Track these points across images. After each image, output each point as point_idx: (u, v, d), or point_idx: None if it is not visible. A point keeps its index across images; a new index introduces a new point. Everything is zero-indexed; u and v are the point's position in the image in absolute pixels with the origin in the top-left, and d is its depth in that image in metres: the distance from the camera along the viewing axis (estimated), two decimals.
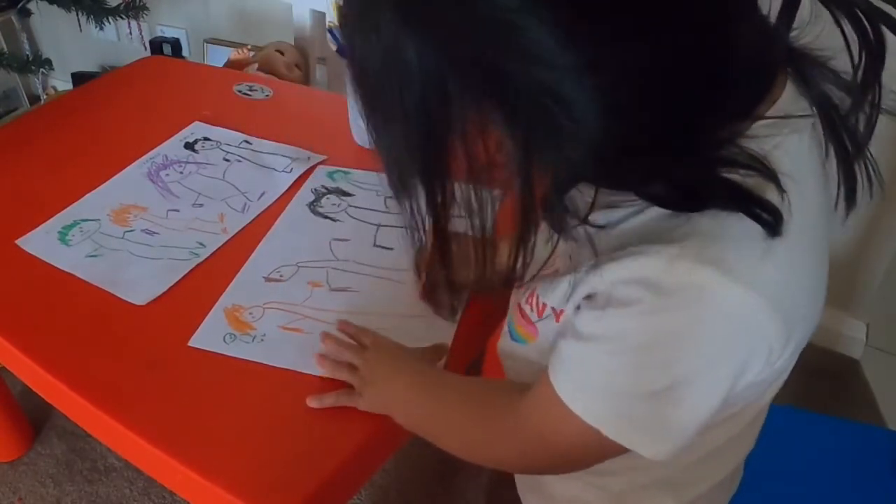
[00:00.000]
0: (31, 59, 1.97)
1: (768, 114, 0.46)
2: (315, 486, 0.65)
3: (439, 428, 0.66)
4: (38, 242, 0.92)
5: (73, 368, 0.77)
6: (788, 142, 0.46)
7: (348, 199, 1.00)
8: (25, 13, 2.16)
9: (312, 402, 0.71)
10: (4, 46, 2.11)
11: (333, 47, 1.04)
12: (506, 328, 0.63)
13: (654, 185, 0.43)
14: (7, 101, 2.35)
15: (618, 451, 0.49)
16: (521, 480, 0.72)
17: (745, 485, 0.96)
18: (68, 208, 0.98)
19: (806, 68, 0.49)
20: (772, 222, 0.43)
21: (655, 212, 0.45)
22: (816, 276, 0.54)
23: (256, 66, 1.66)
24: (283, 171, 1.05)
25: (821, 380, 1.58)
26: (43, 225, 0.95)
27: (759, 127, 0.45)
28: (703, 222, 0.43)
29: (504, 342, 0.64)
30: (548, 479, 0.67)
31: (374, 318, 0.79)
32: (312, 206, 0.98)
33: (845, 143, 0.51)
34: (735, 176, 0.43)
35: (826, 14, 0.46)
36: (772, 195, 0.44)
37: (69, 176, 1.05)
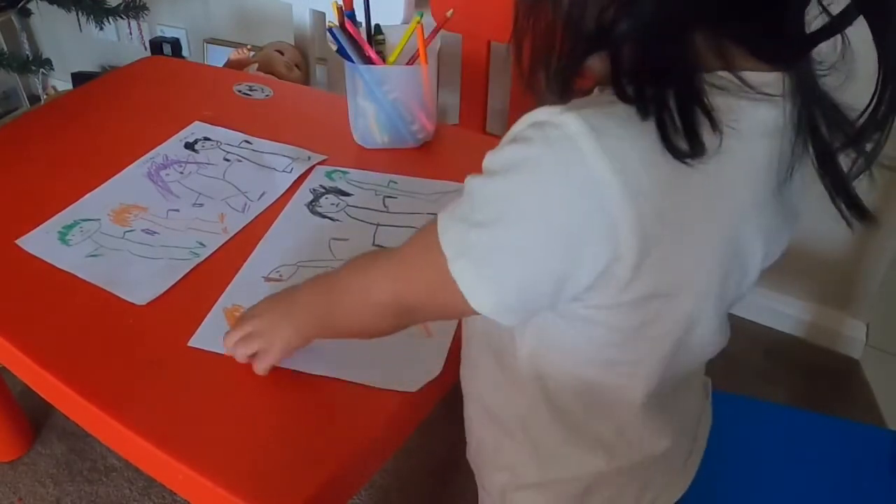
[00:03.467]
0: (31, 59, 1.97)
1: (749, 76, 0.47)
2: (315, 486, 0.65)
3: (339, 321, 0.68)
4: (38, 242, 0.92)
5: (73, 368, 0.77)
6: (751, 109, 0.47)
7: (347, 198, 1.00)
8: (25, 13, 2.16)
9: (259, 371, 0.73)
10: (4, 46, 2.11)
11: (333, 47, 1.04)
12: None
13: (622, 75, 0.45)
14: (7, 101, 2.35)
15: (453, 294, 0.52)
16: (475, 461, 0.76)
17: (745, 484, 0.97)
18: (68, 208, 0.98)
19: (809, 88, 0.49)
20: (683, 149, 0.45)
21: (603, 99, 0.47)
22: (714, 244, 0.51)
23: (256, 66, 1.66)
24: (283, 171, 1.05)
25: (821, 380, 1.58)
26: (43, 225, 0.95)
27: (729, 80, 0.46)
28: (620, 107, 0.45)
29: None
30: (489, 450, 0.71)
31: None
32: (311, 206, 0.99)
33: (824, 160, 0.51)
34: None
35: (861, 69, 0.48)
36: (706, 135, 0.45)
37: (69, 176, 1.05)
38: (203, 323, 0.81)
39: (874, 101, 0.48)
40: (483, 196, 0.51)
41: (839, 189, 0.51)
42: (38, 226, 0.95)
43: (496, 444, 0.69)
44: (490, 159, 0.50)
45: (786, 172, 0.51)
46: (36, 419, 1.44)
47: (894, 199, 1.44)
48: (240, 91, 1.27)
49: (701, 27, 0.46)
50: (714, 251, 0.51)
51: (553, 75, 0.50)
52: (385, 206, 0.98)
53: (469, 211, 0.51)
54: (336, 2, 1.03)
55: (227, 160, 1.08)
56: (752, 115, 0.48)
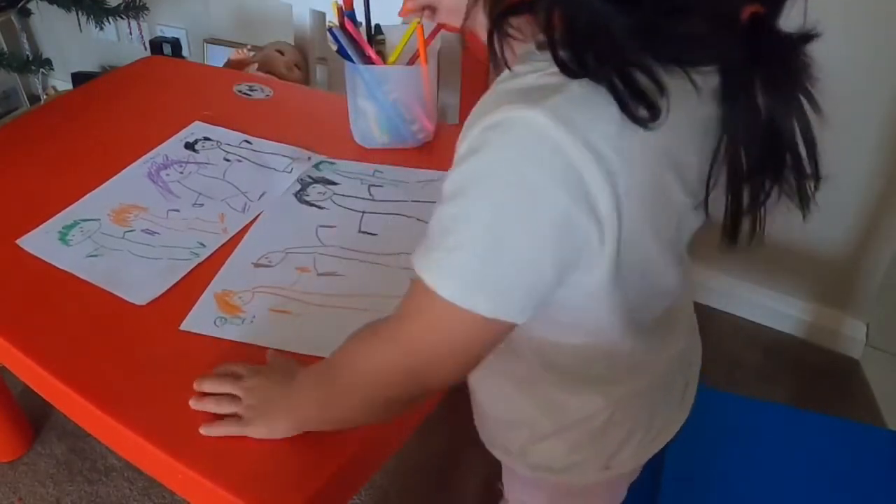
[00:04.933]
0: (31, 59, 1.97)
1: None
2: (315, 486, 0.65)
3: (341, 401, 0.63)
4: (39, 242, 0.92)
5: (73, 368, 0.77)
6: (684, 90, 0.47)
7: (333, 187, 1.02)
8: (25, 13, 2.16)
9: (204, 430, 0.69)
10: (4, 46, 2.11)
11: (333, 47, 1.04)
12: None
13: (569, 48, 0.46)
14: (7, 101, 2.35)
15: (473, 321, 0.50)
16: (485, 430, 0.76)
17: (745, 483, 0.97)
18: (68, 208, 0.98)
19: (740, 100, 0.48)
20: (642, 115, 0.45)
21: (547, 79, 0.47)
22: (670, 195, 0.53)
23: (256, 66, 1.66)
24: (283, 170, 1.05)
25: (821, 380, 1.58)
26: (43, 225, 0.95)
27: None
28: (573, 87, 0.46)
29: None
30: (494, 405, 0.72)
31: (358, 299, 0.83)
32: (299, 195, 1.00)
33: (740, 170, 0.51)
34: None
35: None
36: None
37: (69, 176, 1.05)
38: (194, 308, 0.82)
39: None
40: (468, 218, 0.49)
41: (752, 208, 0.52)
42: (38, 226, 0.95)
43: (507, 406, 0.70)
44: (460, 178, 0.49)
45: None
46: (36, 419, 1.44)
47: (894, 200, 1.44)
48: (240, 91, 1.27)
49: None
50: (669, 202, 0.53)
51: (491, 21, 0.51)
52: (370, 195, 1.00)
53: (460, 240, 0.49)
54: (336, 2, 1.03)
55: (227, 160, 1.08)
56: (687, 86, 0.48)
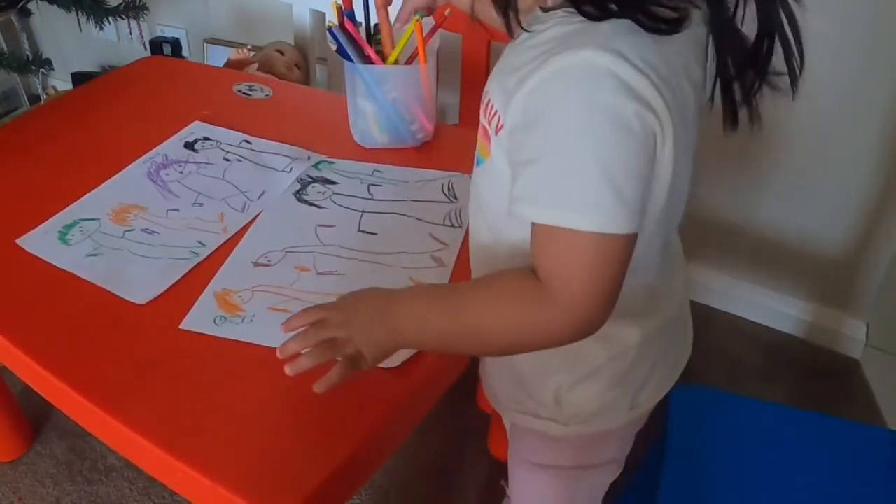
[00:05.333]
0: (31, 59, 1.97)
1: None
2: (315, 486, 0.65)
3: (471, 329, 0.62)
4: (38, 242, 0.92)
5: (73, 368, 0.77)
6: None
7: (333, 187, 1.02)
8: (25, 13, 2.16)
9: (319, 387, 0.64)
10: (4, 46, 2.11)
11: (333, 47, 1.04)
12: (476, 155, 0.70)
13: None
14: (7, 101, 2.35)
15: (619, 242, 0.55)
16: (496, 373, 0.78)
17: (745, 484, 0.97)
18: (68, 208, 0.98)
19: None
20: (664, 28, 0.54)
21: (570, 27, 0.56)
22: (689, 104, 0.60)
23: (256, 66, 1.66)
24: (282, 170, 1.05)
25: (821, 380, 1.58)
26: (43, 224, 0.95)
27: None
28: (605, 27, 0.54)
29: (473, 175, 0.72)
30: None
31: None
32: (298, 195, 1.01)
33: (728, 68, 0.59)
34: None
35: None
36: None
37: (69, 176, 1.05)
38: (194, 307, 0.82)
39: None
40: (578, 158, 0.54)
41: (746, 99, 0.61)
42: (38, 225, 0.95)
43: (546, 353, 0.68)
44: (548, 133, 0.55)
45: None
46: (36, 419, 1.44)
47: (894, 200, 1.44)
48: (240, 91, 1.27)
49: None
50: (689, 113, 0.60)
51: None
52: (370, 194, 1.00)
53: (583, 180, 0.54)
54: (336, 2, 1.03)
55: (227, 160, 1.08)
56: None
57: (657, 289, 0.71)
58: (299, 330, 0.66)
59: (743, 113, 0.61)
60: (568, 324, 0.58)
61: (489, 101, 0.64)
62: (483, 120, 0.66)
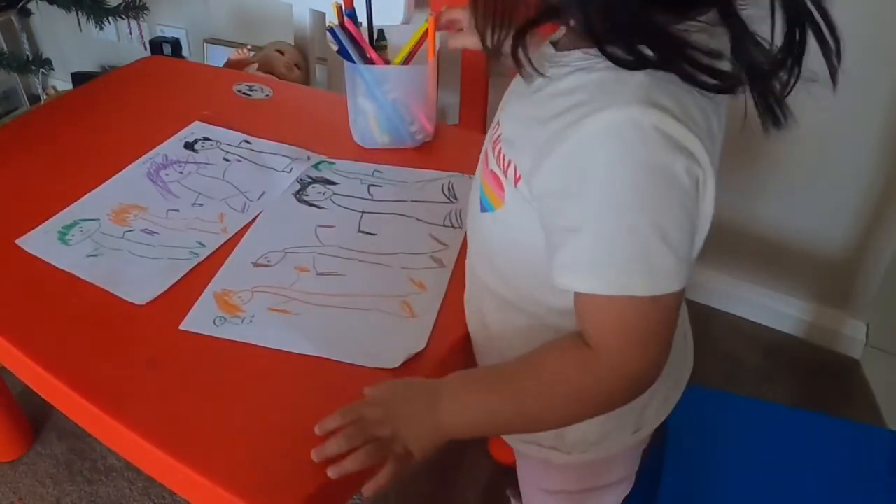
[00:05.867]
0: (31, 59, 1.97)
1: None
2: (315, 486, 0.65)
3: (530, 412, 0.61)
4: (38, 242, 0.92)
5: (73, 368, 0.77)
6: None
7: (333, 187, 1.02)
8: (25, 13, 2.16)
9: (368, 490, 0.62)
10: (4, 46, 2.11)
11: (334, 47, 1.04)
12: (476, 201, 0.68)
13: (617, 44, 0.50)
14: (7, 101, 2.35)
15: (667, 304, 0.54)
16: None
17: (745, 484, 0.97)
18: (68, 208, 0.98)
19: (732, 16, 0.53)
20: (712, 83, 0.51)
21: (596, 74, 0.52)
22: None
23: (256, 66, 1.66)
24: (282, 170, 1.05)
25: (821, 380, 1.58)
26: (43, 225, 0.95)
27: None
28: (640, 76, 0.51)
29: (473, 216, 0.69)
30: None
31: (357, 299, 0.83)
32: (298, 195, 1.01)
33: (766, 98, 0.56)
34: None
35: None
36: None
37: (69, 176, 1.05)
38: (193, 307, 0.82)
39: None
40: (632, 220, 0.52)
41: (778, 101, 0.56)
42: (38, 226, 0.95)
43: None
44: (594, 199, 0.52)
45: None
46: (36, 419, 1.44)
47: (894, 200, 1.44)
48: (240, 91, 1.27)
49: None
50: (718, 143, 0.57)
51: (513, 36, 0.54)
52: (370, 195, 1.00)
53: (636, 244, 0.52)
54: (336, 1, 1.03)
55: (227, 160, 1.08)
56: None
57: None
58: (332, 425, 0.64)
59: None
60: (631, 388, 0.58)
61: (500, 150, 0.62)
62: (493, 166, 0.63)
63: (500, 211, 0.63)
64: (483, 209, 0.66)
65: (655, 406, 0.74)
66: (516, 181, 0.59)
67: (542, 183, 0.56)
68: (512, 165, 0.60)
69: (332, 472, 0.62)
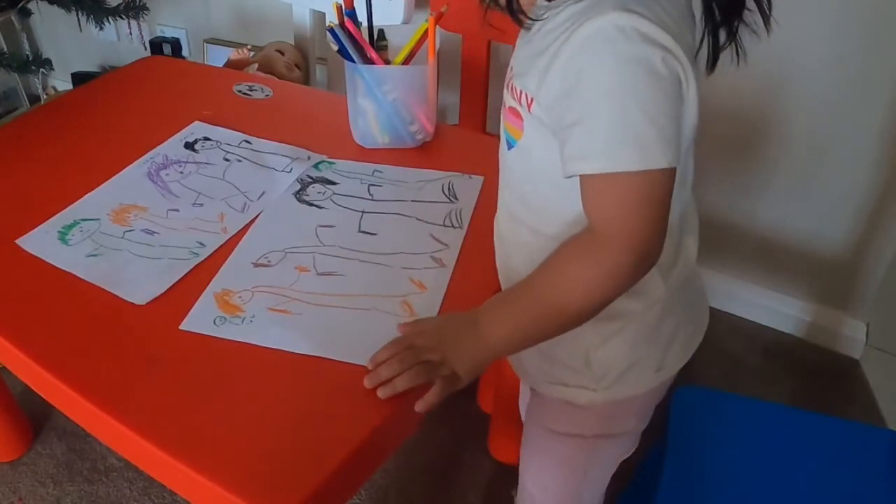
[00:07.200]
0: (31, 59, 1.97)
1: None
2: (315, 486, 0.65)
3: (553, 304, 0.66)
4: (38, 242, 0.92)
5: (73, 368, 0.77)
6: None
7: (333, 187, 1.02)
8: (25, 13, 2.15)
9: (420, 407, 0.69)
10: (4, 46, 2.11)
11: (334, 47, 1.04)
12: (503, 142, 0.73)
13: None
14: (7, 101, 2.35)
15: (659, 179, 0.60)
16: None
17: (745, 484, 0.97)
18: (68, 208, 0.98)
19: None
20: None
21: (583, 3, 0.60)
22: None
23: (256, 66, 1.66)
24: (282, 170, 1.05)
25: (821, 380, 1.58)
26: (43, 225, 0.95)
27: None
28: None
29: (502, 155, 0.75)
30: None
31: (357, 299, 0.84)
32: (298, 195, 1.01)
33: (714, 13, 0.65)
34: None
35: None
36: None
37: (69, 176, 1.05)
38: (193, 307, 0.82)
39: None
40: (621, 106, 0.59)
41: (730, 37, 0.66)
42: (38, 226, 0.95)
43: None
44: (591, 93, 0.59)
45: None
46: (36, 419, 1.44)
47: (894, 200, 1.44)
48: (240, 91, 1.27)
49: None
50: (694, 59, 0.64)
51: None
52: (370, 195, 1.01)
53: (626, 122, 0.59)
54: (336, 1, 1.04)
55: (227, 160, 1.08)
56: None
57: (678, 237, 0.73)
58: (384, 356, 0.71)
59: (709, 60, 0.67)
60: (633, 261, 0.63)
61: (512, 84, 0.69)
62: (511, 102, 0.70)
63: (521, 141, 0.69)
64: (509, 147, 0.72)
65: (678, 346, 0.78)
66: (529, 105, 0.66)
67: (548, 94, 0.63)
68: (524, 94, 0.66)
69: (381, 393, 0.70)
